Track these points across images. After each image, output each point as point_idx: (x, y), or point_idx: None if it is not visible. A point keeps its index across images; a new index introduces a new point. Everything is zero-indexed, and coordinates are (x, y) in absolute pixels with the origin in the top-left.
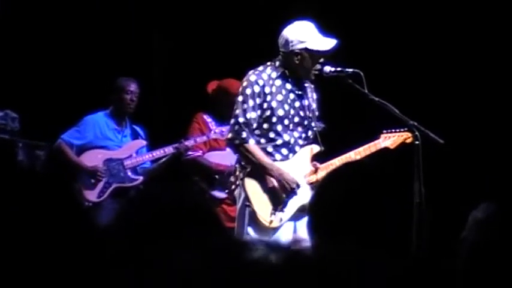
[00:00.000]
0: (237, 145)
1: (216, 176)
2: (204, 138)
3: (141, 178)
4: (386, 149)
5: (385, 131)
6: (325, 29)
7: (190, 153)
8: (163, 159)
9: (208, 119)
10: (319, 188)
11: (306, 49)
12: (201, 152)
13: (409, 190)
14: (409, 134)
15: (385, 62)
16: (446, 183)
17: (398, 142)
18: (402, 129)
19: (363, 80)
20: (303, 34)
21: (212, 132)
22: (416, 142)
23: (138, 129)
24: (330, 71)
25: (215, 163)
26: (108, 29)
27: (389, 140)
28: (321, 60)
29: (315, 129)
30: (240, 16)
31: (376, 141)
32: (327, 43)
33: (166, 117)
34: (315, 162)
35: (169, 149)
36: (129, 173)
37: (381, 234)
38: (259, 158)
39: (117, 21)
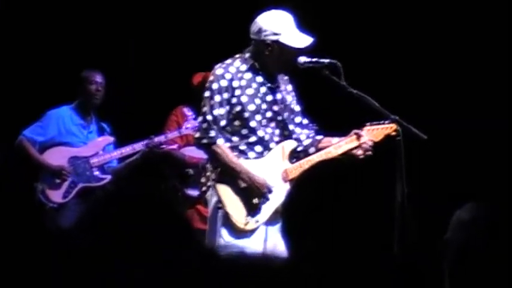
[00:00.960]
0: (205, 145)
1: (191, 171)
2: (176, 133)
3: (108, 177)
4: (370, 141)
5: (368, 124)
6: (303, 18)
7: (163, 146)
8: (133, 157)
9: (188, 112)
10: (292, 189)
11: (278, 42)
12: (176, 145)
13: (391, 189)
14: (394, 126)
15: (364, 53)
16: (430, 181)
17: (382, 135)
18: (386, 121)
19: (340, 72)
20: (278, 25)
21: (184, 127)
22: (398, 138)
23: (104, 125)
24: (305, 62)
25: (188, 156)
26: (79, 20)
27: (372, 132)
28: (294, 56)
29: (290, 123)
30: (218, 6)
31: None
32: (302, 40)
33: (138, 112)
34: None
35: (138, 146)
36: (96, 172)
37: (356, 237)
38: (228, 160)
39: (89, 13)
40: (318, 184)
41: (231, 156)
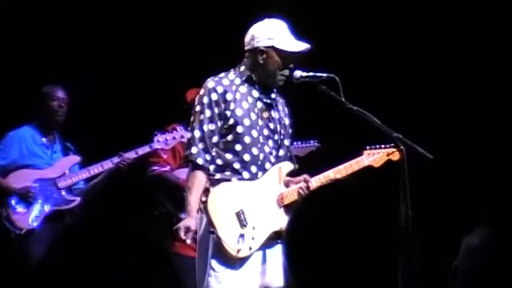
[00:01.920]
0: (187, 162)
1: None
2: (147, 148)
3: (78, 199)
4: (370, 167)
5: (368, 147)
6: (298, 30)
7: (155, 168)
8: (100, 177)
9: (182, 131)
10: (295, 213)
11: (273, 47)
12: (168, 167)
13: (395, 213)
14: (397, 152)
15: (364, 66)
16: (436, 203)
17: (383, 160)
18: (388, 145)
19: (339, 87)
20: (272, 31)
21: (156, 140)
22: (400, 158)
23: (68, 144)
24: (301, 76)
25: (182, 179)
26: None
27: (373, 157)
28: (290, 65)
29: (287, 145)
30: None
31: (358, 159)
32: (297, 45)
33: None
34: (289, 179)
35: (107, 164)
36: (64, 194)
37: (363, 264)
38: (187, 196)
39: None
40: (320, 209)
41: (195, 197)
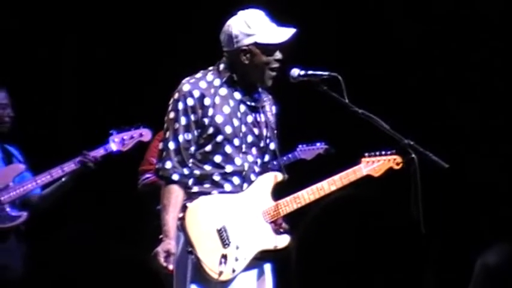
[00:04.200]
0: (160, 177)
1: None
2: (101, 151)
3: (24, 214)
4: (368, 177)
5: (367, 154)
6: (283, 21)
7: (148, 175)
8: (61, 180)
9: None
10: (305, 231)
11: (256, 44)
12: None
13: (405, 227)
14: (398, 158)
15: (369, 63)
16: (451, 217)
17: (384, 169)
18: (389, 152)
19: (342, 87)
20: (250, 25)
21: (111, 141)
22: (408, 167)
23: (11, 149)
24: (299, 75)
25: None
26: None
27: (372, 165)
28: (278, 56)
29: (273, 149)
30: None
31: (355, 168)
32: (282, 33)
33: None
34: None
35: (69, 166)
36: (8, 209)
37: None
38: (164, 216)
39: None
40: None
41: (170, 216)
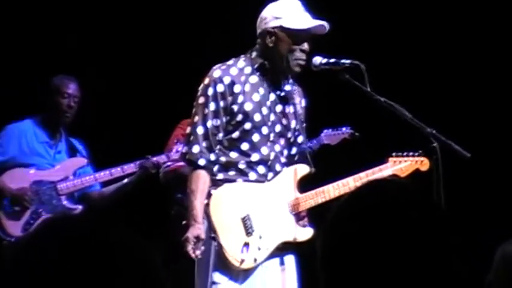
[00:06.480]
0: (187, 162)
1: None
2: (163, 157)
3: (79, 208)
4: (393, 175)
5: (394, 154)
6: (319, 12)
7: (169, 163)
8: (123, 181)
9: None
10: (333, 223)
11: (282, 27)
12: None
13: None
14: (426, 160)
15: (393, 53)
16: (473, 207)
17: (411, 169)
18: (416, 154)
19: (364, 75)
20: (280, 10)
21: (174, 150)
22: (435, 157)
23: (76, 142)
24: (321, 63)
25: None
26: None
27: (399, 165)
28: (304, 47)
29: (300, 142)
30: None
31: (382, 166)
32: (308, 21)
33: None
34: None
35: (130, 167)
36: (64, 201)
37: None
38: (192, 201)
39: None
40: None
41: (199, 201)
